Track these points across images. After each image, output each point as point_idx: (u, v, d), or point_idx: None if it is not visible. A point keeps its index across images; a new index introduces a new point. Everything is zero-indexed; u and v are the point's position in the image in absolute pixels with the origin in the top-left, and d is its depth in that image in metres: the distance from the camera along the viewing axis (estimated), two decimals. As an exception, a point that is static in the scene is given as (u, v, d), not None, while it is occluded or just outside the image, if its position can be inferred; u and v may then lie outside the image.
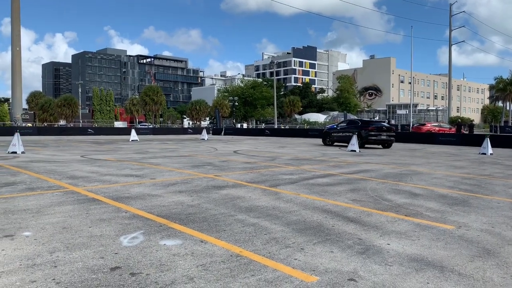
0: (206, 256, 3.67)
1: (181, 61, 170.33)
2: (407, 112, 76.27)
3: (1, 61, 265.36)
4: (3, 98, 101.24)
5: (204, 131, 33.20)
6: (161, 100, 69.99)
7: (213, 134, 46.88)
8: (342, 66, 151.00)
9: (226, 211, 5.47)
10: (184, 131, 52.65)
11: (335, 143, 23.16)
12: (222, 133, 46.83)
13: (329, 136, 23.49)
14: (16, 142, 14.87)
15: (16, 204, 5.76)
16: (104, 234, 4.30)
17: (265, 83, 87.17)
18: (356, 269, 3.46)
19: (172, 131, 52.60)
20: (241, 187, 7.47)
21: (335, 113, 77.65)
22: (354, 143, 18.00)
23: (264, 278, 3.21)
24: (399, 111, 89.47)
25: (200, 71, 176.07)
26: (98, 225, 4.68)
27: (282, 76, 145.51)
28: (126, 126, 65.42)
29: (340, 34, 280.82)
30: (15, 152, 14.64)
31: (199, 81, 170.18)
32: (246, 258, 3.66)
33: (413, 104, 64.00)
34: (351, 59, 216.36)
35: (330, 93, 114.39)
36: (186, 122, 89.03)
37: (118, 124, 75.36)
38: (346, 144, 20.17)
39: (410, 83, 76.04)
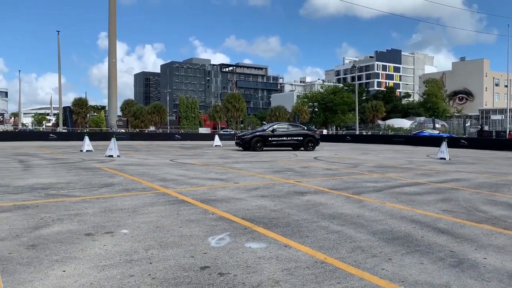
0: (290, 261, 3.70)
1: (261, 69, 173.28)
2: (503, 117, 70.18)
3: (98, 72, 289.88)
4: (100, 106, 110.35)
5: (284, 137, 33.34)
6: (242, 107, 71.81)
7: (293, 140, 46.94)
8: (429, 69, 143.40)
9: (309, 217, 5.46)
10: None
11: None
12: (302, 139, 46.70)
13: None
14: (113, 147, 16.18)
15: (114, 203, 6.26)
16: (194, 234, 4.52)
17: (346, 88, 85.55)
18: (449, 283, 3.27)
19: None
20: (323, 194, 7.41)
21: (422, 118, 73.76)
22: (444, 150, 16.98)
23: (350, 286, 3.16)
24: (493, 117, 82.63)
25: (280, 78, 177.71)
26: (187, 225, 4.92)
27: (364, 81, 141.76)
28: (210, 132, 67.99)
29: (426, 36, 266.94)
30: (112, 156, 15.91)
31: (279, 87, 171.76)
32: (331, 265, 3.63)
33: (510, 109, 58.83)
34: (438, 62, 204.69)
35: (416, 97, 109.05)
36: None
37: (202, 130, 78.47)
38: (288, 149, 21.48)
39: (506, 86, 70.01)
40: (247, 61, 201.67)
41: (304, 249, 4.05)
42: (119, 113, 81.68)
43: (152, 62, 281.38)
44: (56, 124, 72.44)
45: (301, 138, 22.03)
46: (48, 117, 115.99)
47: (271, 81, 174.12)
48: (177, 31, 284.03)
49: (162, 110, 68.49)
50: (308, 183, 8.89)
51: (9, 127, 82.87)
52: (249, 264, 3.60)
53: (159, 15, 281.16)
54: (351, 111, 73.86)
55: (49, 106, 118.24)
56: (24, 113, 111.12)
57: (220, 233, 4.60)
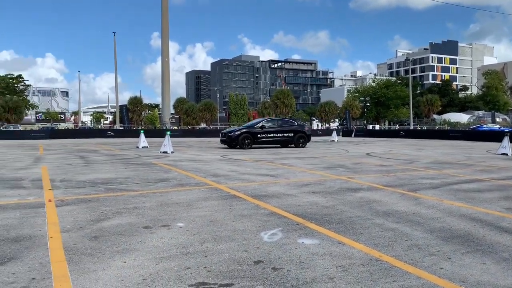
0: (344, 258, 3.66)
1: (310, 64, 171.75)
2: None
3: (151, 71, 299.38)
4: (154, 104, 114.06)
5: (334, 133, 32.94)
6: (291, 103, 71.48)
7: (343, 135, 46.18)
8: (488, 61, 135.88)
9: (363, 214, 5.36)
10: (313, 132, 52.87)
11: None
12: (353, 134, 45.85)
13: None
14: (167, 143, 16.69)
15: (170, 197, 6.47)
16: (246, 229, 4.58)
17: (399, 81, 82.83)
18: (516, 285, 3.09)
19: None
20: (376, 191, 7.25)
21: (481, 112, 70.07)
22: (506, 145, 16.04)
23: (407, 285, 3.08)
24: (561, 109, 77.02)
25: (329, 73, 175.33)
26: (240, 220, 4.99)
27: (418, 74, 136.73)
28: (259, 128, 68.21)
29: (485, 25, 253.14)
30: (166, 152, 16.42)
31: (328, 82, 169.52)
32: (386, 263, 3.55)
33: None
34: (499, 52, 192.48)
35: (474, 90, 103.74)
36: (315, 124, 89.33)
37: (251, 126, 78.89)
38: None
39: None
40: (295, 57, 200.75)
41: (358, 246, 3.99)
42: (172, 111, 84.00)
43: (203, 61, 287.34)
44: (113, 122, 75.74)
45: (292, 134, 20.58)
46: (105, 115, 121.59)
47: (321, 76, 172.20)
48: (226, 29, 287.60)
49: (212, 107, 69.72)
50: (361, 179, 8.72)
51: (70, 125, 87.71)
52: (302, 259, 3.60)
53: (208, 13, 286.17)
54: (404, 106, 71.47)
55: (106, 104, 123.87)
56: (83, 112, 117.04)
57: (272, 228, 4.63)
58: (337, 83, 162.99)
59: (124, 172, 9.87)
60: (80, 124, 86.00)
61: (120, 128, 48.95)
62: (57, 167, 11.09)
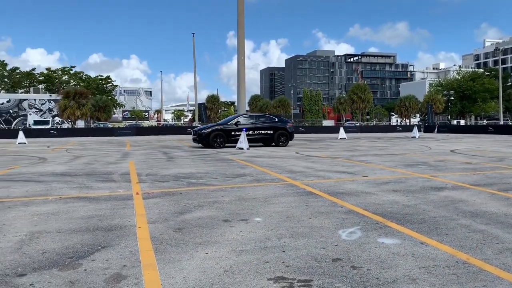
0: (428, 259, 3.50)
1: (389, 57, 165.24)
2: None
3: (227, 69, 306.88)
4: (229, 101, 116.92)
5: (415, 129, 31.41)
6: (368, 98, 69.31)
7: (424, 131, 43.94)
8: None
9: (447, 214, 5.08)
10: (392, 128, 50.97)
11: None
12: (435, 130, 43.42)
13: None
14: (243, 140, 17.07)
15: (246, 192, 6.62)
16: (323, 226, 4.55)
17: (487, 73, 76.97)
18: None
19: (379, 129, 51.56)
20: (462, 190, 6.82)
21: None
22: None
23: (499, 291, 2.88)
24: None
25: (409, 66, 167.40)
26: (317, 217, 4.98)
27: (509, 65, 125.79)
28: (334, 125, 67.25)
29: None
30: (242, 148, 16.79)
31: (408, 76, 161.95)
32: (474, 266, 3.34)
33: None
34: None
35: None
36: (394, 120, 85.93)
37: (326, 122, 78.04)
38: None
39: None
40: (372, 50, 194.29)
41: (443, 248, 3.80)
42: (247, 108, 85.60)
43: (277, 57, 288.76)
44: (192, 119, 78.86)
45: (271, 131, 18.81)
46: (185, 113, 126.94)
47: (400, 69, 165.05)
48: (300, 25, 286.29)
49: (286, 104, 69.98)
50: (445, 178, 8.25)
51: (153, 123, 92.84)
52: (383, 259, 3.51)
53: (282, 10, 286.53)
54: (493, 99, 66.28)
55: (185, 103, 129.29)
56: (165, 110, 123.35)
57: (350, 226, 4.55)
58: (418, 76, 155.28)
59: (204, 167, 10.26)
60: (162, 122, 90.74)
61: (199, 125, 50.87)
62: (143, 162, 11.83)
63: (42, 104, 65.23)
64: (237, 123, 18.49)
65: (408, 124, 62.00)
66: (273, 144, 19.00)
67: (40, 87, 74.56)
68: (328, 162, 11.43)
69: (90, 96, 56.45)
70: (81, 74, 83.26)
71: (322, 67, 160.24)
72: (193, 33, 60.34)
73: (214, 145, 17.81)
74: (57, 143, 25.48)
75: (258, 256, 3.61)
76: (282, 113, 69.43)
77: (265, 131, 18.83)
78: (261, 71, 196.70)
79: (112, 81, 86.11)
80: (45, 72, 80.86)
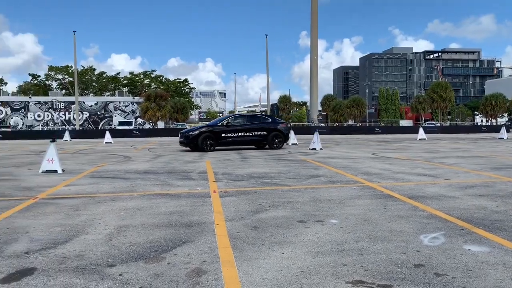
0: (522, 270, 3.23)
1: (473, 53, 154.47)
2: None
3: (299, 70, 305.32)
4: (301, 102, 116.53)
5: (503, 129, 29.07)
6: (450, 97, 65.50)
7: (514, 132, 40.52)
8: None
9: (544, 223, 4.65)
10: (476, 129, 47.63)
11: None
12: (527, 131, 39.88)
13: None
14: (316, 140, 16.95)
15: (321, 194, 6.55)
16: (404, 231, 4.38)
17: None
18: None
19: (461, 130, 48.39)
20: (561, 196, 6.20)
21: None
22: None
23: None
24: None
25: (496, 62, 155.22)
26: (396, 221, 4.80)
27: None
28: (412, 125, 64.34)
29: None
30: (315, 149, 16.67)
31: (495, 72, 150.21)
32: None
33: None
34: None
35: None
36: (479, 119, 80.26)
37: (404, 122, 74.97)
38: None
39: None
40: (454, 46, 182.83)
41: (540, 259, 3.48)
42: (319, 108, 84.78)
43: (350, 56, 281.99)
44: (264, 120, 79.72)
45: (265, 133, 17.47)
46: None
47: (485, 66, 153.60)
48: (375, 22, 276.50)
49: (361, 103, 68.14)
50: (539, 182, 7.56)
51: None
52: (470, 267, 3.29)
53: (356, 7, 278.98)
54: None
55: (258, 104, 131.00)
56: (238, 111, 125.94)
57: (433, 231, 4.33)
58: (506, 73, 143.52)
59: (277, 168, 10.33)
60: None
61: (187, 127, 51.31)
62: (218, 162, 12.19)
63: (126, 106, 69.87)
64: (227, 124, 17.36)
65: (494, 124, 57.53)
66: (267, 146, 17.75)
67: (124, 90, 79.92)
68: (407, 164, 10.97)
69: (169, 98, 59.35)
70: (161, 77, 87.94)
71: (399, 64, 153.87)
72: (266, 35, 61.11)
73: (204, 148, 16.51)
74: (140, 142, 27.10)
75: (335, 258, 3.56)
76: (356, 113, 67.74)
77: (258, 133, 17.59)
78: (334, 70, 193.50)
79: (189, 83, 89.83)
80: (129, 76, 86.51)
